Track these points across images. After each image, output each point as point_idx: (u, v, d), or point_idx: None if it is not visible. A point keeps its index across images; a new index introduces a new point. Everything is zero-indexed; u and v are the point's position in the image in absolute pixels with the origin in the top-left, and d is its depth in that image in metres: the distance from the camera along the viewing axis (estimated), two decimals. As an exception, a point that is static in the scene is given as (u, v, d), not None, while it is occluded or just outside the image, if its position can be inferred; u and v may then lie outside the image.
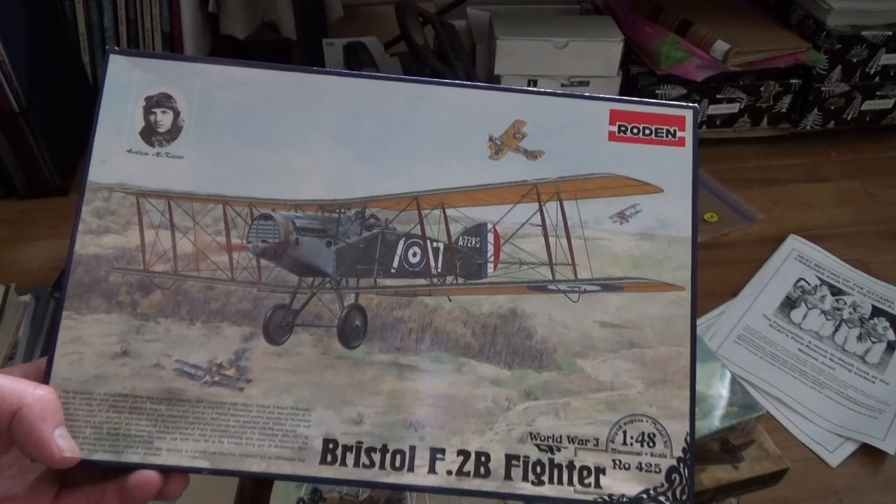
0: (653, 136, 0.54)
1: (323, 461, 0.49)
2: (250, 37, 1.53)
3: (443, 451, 0.49)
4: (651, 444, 0.50)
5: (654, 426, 0.50)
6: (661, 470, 0.49)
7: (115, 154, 0.52)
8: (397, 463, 0.49)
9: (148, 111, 0.53)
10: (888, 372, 1.02)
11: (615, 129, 0.54)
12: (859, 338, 1.06)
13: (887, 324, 1.08)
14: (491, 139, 0.54)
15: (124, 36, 1.42)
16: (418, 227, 0.53)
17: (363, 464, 0.49)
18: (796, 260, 1.18)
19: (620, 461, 0.50)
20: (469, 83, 0.55)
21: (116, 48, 0.54)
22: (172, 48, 1.44)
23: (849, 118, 1.41)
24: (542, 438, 0.50)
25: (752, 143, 1.44)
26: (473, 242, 0.54)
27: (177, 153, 0.53)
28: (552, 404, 0.50)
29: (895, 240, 1.25)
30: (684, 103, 0.55)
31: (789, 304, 1.10)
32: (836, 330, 1.07)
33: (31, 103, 1.15)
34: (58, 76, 1.30)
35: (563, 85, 1.33)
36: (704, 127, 1.41)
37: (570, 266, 0.52)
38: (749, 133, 1.43)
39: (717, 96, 1.37)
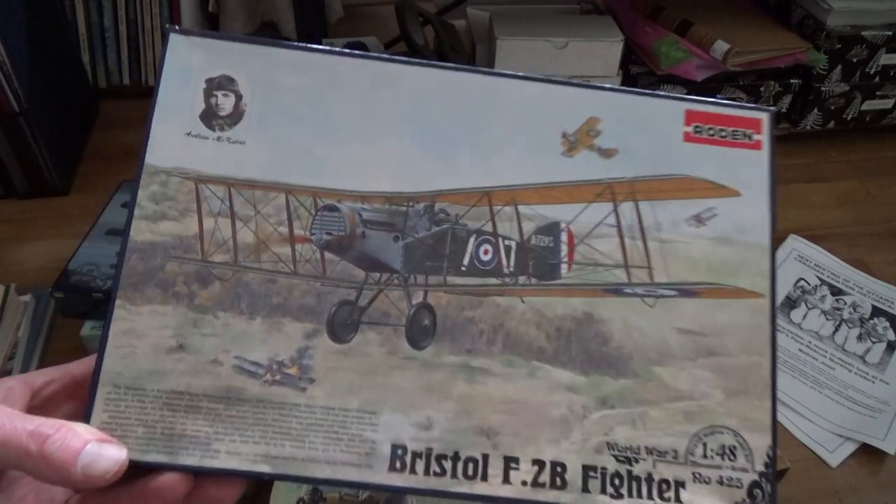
0: (729, 138, 0.53)
1: (392, 468, 0.46)
2: (250, 37, 1.52)
3: (517, 459, 0.47)
4: (732, 457, 0.48)
5: (735, 438, 0.48)
6: (742, 485, 0.48)
7: (173, 137, 0.49)
8: (470, 471, 0.47)
9: (208, 94, 0.50)
10: (888, 372, 1.02)
11: (691, 129, 0.52)
12: (859, 338, 1.06)
13: (887, 324, 1.08)
14: (564, 136, 0.52)
15: (124, 36, 1.41)
16: (489, 223, 0.51)
17: (434, 472, 0.47)
18: (796, 260, 1.18)
19: (700, 475, 0.48)
20: (543, 77, 0.53)
21: (176, 27, 0.51)
22: (172, 48, 1.42)
23: (849, 118, 1.41)
24: (620, 449, 0.48)
25: (752, 143, 1.43)
26: (546, 242, 0.51)
27: (238, 138, 0.50)
28: (629, 413, 0.48)
29: (895, 240, 1.25)
30: (762, 106, 0.54)
31: (789, 304, 1.10)
32: (836, 330, 1.07)
33: (31, 103, 1.13)
34: (58, 76, 1.29)
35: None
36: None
37: (646, 269, 0.50)
38: (749, 132, 1.43)
39: (717, 96, 1.35)
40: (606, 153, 0.51)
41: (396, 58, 0.52)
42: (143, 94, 1.44)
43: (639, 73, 1.37)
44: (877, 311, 1.10)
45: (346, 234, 0.50)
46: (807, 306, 1.10)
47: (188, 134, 0.50)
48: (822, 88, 1.36)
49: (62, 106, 1.27)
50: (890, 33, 1.32)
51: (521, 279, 0.51)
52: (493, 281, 0.51)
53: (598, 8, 1.51)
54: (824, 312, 1.09)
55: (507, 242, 0.51)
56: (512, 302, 0.50)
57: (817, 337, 1.06)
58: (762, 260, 0.51)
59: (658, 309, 0.50)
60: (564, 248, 0.51)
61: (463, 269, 0.51)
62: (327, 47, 0.52)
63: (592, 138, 0.52)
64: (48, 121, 1.18)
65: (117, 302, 0.47)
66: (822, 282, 1.14)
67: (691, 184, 0.52)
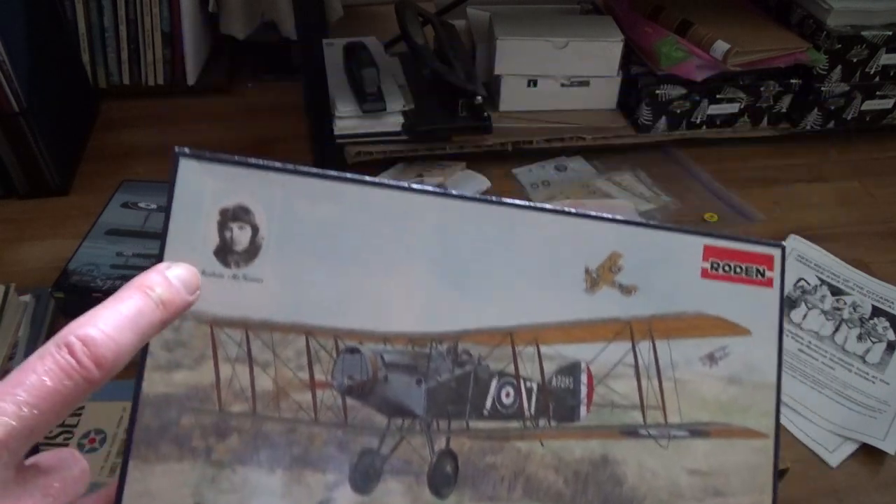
0: (743, 274, 0.53)
1: None
2: (250, 37, 1.53)
3: None
4: None
5: None
6: None
7: None
8: None
9: (223, 227, 0.46)
10: (888, 372, 1.04)
11: (708, 265, 0.52)
12: (859, 338, 1.08)
13: (887, 324, 1.10)
14: (587, 271, 0.51)
15: (124, 36, 1.39)
16: (511, 364, 0.50)
17: None
18: (796, 260, 1.19)
19: None
20: (567, 210, 0.51)
21: (186, 150, 0.46)
22: (172, 48, 1.41)
23: (849, 118, 1.42)
24: None
25: (753, 143, 1.44)
26: (567, 383, 0.51)
27: (255, 276, 0.47)
28: None
29: (895, 240, 1.27)
30: (773, 241, 0.54)
31: (789, 304, 1.12)
32: (836, 330, 1.09)
33: (31, 103, 1.11)
34: (58, 76, 1.27)
35: (563, 85, 1.31)
36: (705, 127, 1.41)
37: (660, 410, 0.51)
38: (749, 133, 1.43)
39: (717, 96, 1.36)
40: (626, 290, 0.51)
41: (418, 188, 0.49)
42: (143, 94, 1.46)
43: (639, 73, 1.36)
44: (877, 311, 1.12)
45: (368, 378, 0.48)
46: (807, 306, 1.12)
47: (203, 272, 0.46)
48: (822, 88, 1.37)
49: (62, 106, 1.27)
50: (890, 33, 1.33)
51: (542, 422, 0.51)
52: (515, 425, 0.51)
53: (598, 8, 1.50)
54: (824, 312, 1.11)
55: (528, 384, 0.51)
56: (532, 446, 0.50)
57: (817, 337, 1.08)
58: (769, 399, 0.53)
59: (670, 450, 0.51)
60: (584, 390, 0.51)
61: (485, 413, 0.51)
62: (346, 174, 0.48)
63: (614, 274, 0.51)
64: (48, 121, 1.18)
65: (131, 462, 0.45)
66: (822, 282, 1.16)
67: (706, 322, 0.52)
